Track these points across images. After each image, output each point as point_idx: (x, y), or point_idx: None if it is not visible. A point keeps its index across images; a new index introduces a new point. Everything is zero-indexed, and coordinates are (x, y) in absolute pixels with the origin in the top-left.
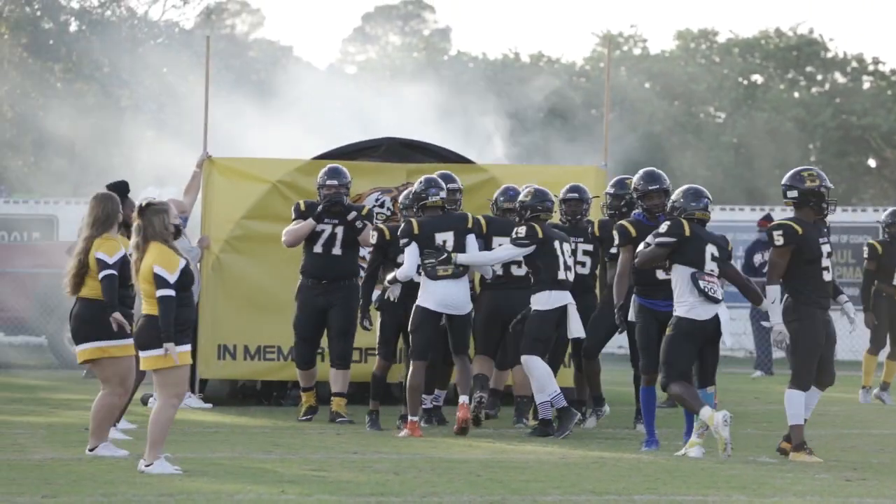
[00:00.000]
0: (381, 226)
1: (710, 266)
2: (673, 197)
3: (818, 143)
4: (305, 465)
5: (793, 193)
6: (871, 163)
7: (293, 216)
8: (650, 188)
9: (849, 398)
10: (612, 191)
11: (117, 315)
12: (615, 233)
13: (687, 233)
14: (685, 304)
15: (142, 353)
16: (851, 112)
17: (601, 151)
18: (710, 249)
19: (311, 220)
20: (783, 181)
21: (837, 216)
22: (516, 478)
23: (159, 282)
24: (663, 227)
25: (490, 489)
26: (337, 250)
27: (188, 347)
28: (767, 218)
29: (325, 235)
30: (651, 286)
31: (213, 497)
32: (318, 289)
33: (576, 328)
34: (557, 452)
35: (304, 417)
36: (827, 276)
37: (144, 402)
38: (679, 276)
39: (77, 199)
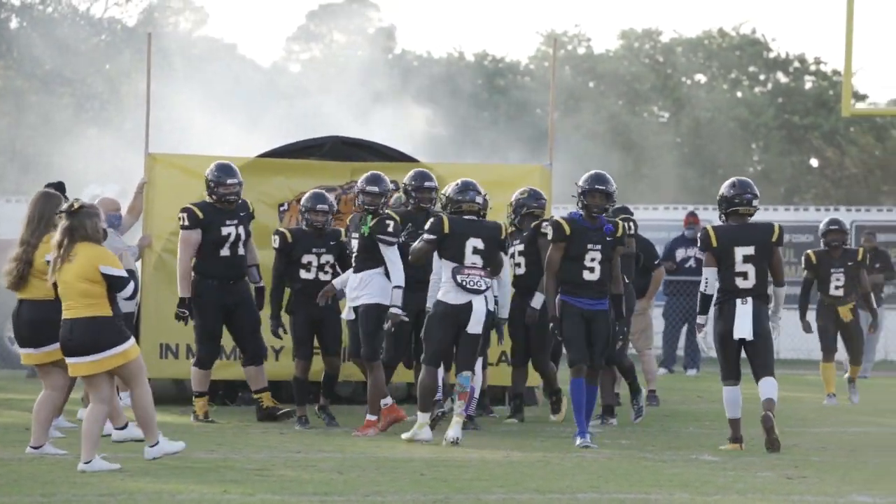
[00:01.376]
0: (283, 229)
1: (472, 259)
2: (444, 189)
3: (761, 142)
4: (248, 465)
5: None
6: (813, 162)
7: (185, 223)
8: (595, 187)
9: (790, 397)
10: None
11: None
12: (550, 229)
13: (446, 229)
14: (443, 289)
15: (100, 356)
16: (794, 112)
17: (546, 151)
18: (473, 243)
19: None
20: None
21: (780, 215)
22: (460, 476)
23: (118, 281)
24: (427, 224)
25: (434, 488)
26: (241, 250)
27: (133, 341)
28: (692, 215)
29: (231, 239)
30: (576, 286)
31: (154, 497)
32: (225, 289)
33: (474, 324)
34: (501, 451)
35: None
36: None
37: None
38: (444, 270)
39: (18, 198)
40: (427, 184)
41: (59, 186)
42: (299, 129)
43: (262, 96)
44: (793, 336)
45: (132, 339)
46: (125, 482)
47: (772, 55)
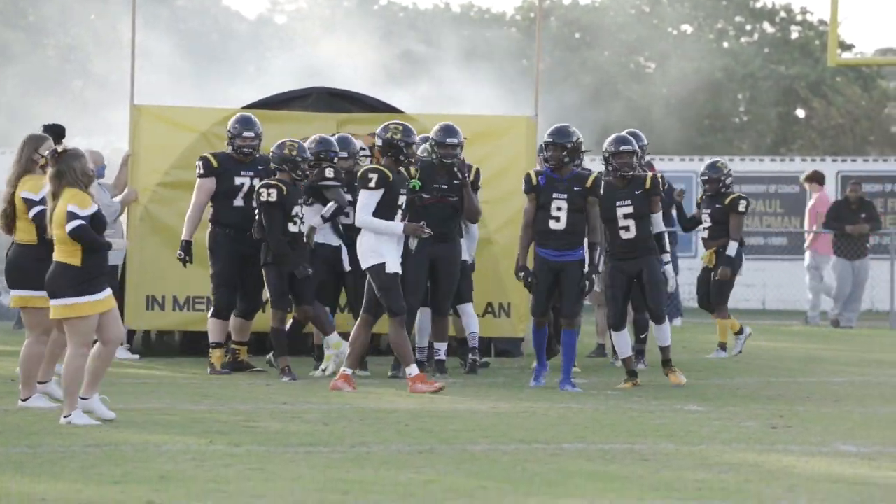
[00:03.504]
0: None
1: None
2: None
3: (747, 93)
4: (234, 416)
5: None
6: (800, 113)
7: (201, 171)
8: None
9: (775, 346)
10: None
11: None
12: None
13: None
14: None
15: (51, 302)
16: (780, 62)
17: (532, 101)
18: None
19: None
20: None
21: (766, 166)
22: (445, 427)
23: (69, 216)
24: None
25: (419, 439)
26: (255, 202)
27: (100, 296)
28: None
29: (244, 189)
30: (543, 234)
31: (140, 447)
32: (241, 238)
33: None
34: (487, 402)
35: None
36: (624, 234)
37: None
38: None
39: (3, 149)
40: (449, 140)
41: (58, 129)
42: (287, 81)
43: (248, 47)
44: (780, 287)
45: (93, 297)
46: (110, 433)
47: (758, 5)
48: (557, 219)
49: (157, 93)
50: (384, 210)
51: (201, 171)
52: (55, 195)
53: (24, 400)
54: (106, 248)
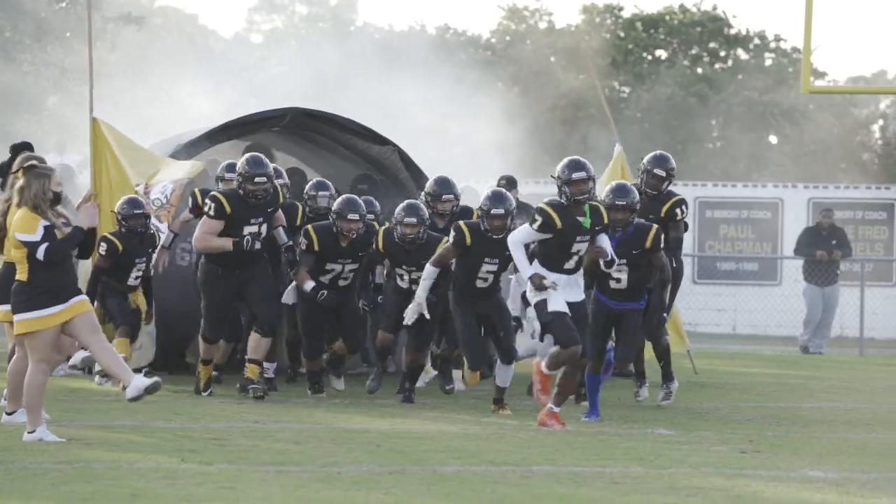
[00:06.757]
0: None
1: None
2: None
3: (721, 118)
4: (206, 434)
5: None
6: (773, 139)
7: (211, 212)
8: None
9: (746, 371)
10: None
11: None
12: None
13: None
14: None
15: (14, 318)
16: (753, 88)
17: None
18: None
19: (230, 242)
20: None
21: (738, 191)
22: (416, 448)
23: (29, 246)
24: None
25: (390, 459)
26: (258, 245)
27: (55, 310)
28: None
29: (252, 236)
30: (605, 283)
31: (112, 465)
32: (230, 275)
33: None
34: (457, 424)
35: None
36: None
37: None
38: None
39: None
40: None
41: (26, 146)
42: (261, 101)
43: (224, 67)
44: (751, 312)
45: (39, 312)
46: (83, 451)
47: (732, 32)
48: (618, 280)
49: (129, 111)
50: (554, 252)
51: (211, 213)
52: (17, 207)
53: (9, 414)
54: (77, 238)
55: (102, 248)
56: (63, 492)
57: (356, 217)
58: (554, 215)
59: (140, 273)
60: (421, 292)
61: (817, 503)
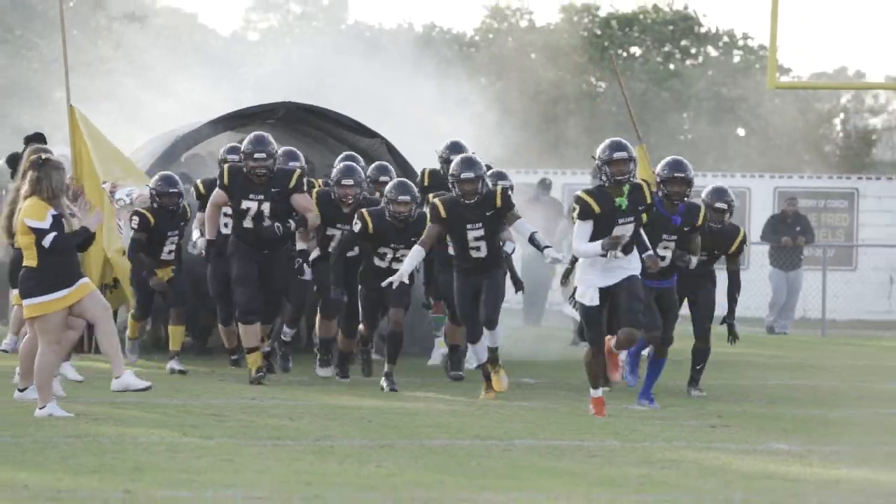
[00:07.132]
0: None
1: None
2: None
3: (692, 112)
4: (206, 410)
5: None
6: (740, 132)
7: (217, 181)
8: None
9: (715, 351)
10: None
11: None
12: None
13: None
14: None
15: (23, 302)
16: (722, 84)
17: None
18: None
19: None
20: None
21: (708, 181)
22: (406, 423)
23: (37, 233)
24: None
25: (381, 434)
26: (267, 223)
27: (62, 293)
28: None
29: (251, 213)
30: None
31: (117, 439)
32: (258, 252)
33: None
34: (445, 400)
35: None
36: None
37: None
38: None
39: None
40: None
41: (38, 137)
42: (256, 96)
43: (222, 63)
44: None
45: (49, 295)
46: (90, 426)
47: (703, 30)
48: (662, 258)
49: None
50: (599, 237)
51: (217, 182)
52: (26, 198)
53: (21, 391)
54: (83, 236)
55: (135, 221)
56: (72, 464)
57: (350, 182)
58: (590, 200)
59: (173, 246)
60: (406, 267)
61: (782, 474)
